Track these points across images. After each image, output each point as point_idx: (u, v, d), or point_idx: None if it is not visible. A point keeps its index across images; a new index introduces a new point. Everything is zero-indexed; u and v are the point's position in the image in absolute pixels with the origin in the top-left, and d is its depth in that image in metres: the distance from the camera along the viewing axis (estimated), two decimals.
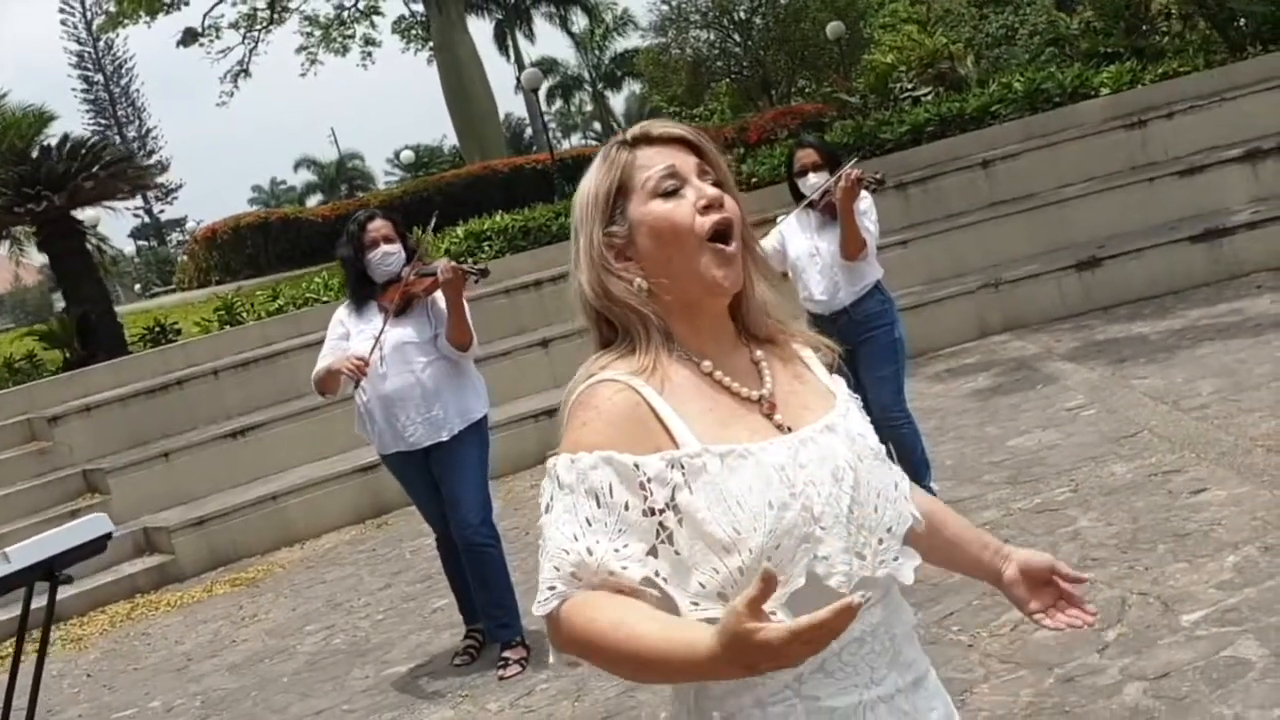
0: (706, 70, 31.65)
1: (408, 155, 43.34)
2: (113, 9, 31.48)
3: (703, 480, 1.48)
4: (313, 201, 56.42)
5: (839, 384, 1.74)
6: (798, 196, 5.66)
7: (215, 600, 7.90)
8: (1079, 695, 3.70)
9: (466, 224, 12.99)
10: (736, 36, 31.10)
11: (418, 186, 23.53)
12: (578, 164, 20.69)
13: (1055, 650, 4.04)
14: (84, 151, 11.83)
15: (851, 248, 5.42)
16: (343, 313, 5.36)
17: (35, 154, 11.83)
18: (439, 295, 5.16)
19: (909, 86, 16.07)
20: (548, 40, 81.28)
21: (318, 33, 34.27)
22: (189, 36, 32.90)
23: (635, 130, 1.66)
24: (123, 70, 60.91)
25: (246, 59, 33.74)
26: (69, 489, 9.54)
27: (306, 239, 20.37)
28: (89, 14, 53.62)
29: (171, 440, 9.67)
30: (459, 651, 5.39)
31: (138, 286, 49.74)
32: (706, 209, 1.59)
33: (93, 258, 12.65)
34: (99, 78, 60.37)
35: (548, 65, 50.42)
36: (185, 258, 23.99)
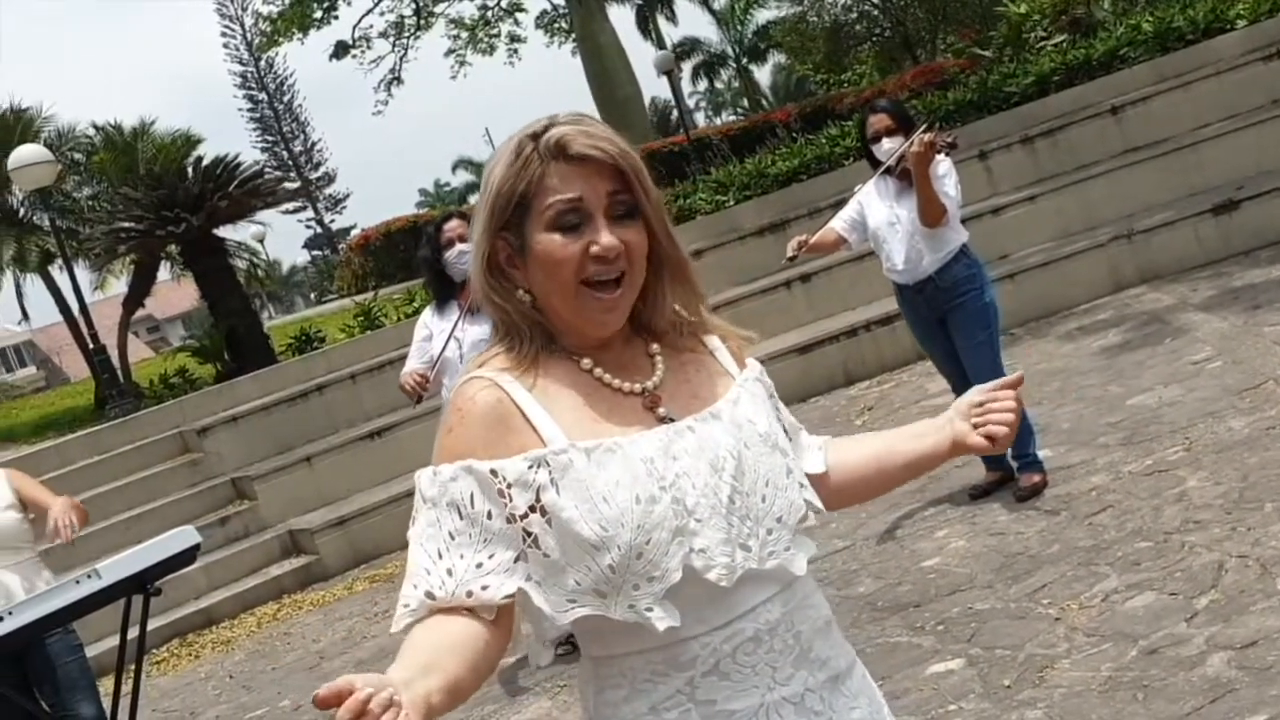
0: (846, 35, 31.15)
1: None
2: (268, 29, 32.63)
3: (570, 478, 1.45)
4: (473, 200, 57.73)
5: (749, 369, 1.69)
6: (874, 164, 5.52)
7: (354, 598, 8.16)
8: (1159, 668, 3.53)
9: None
10: None
11: None
12: (712, 144, 20.58)
13: (1143, 621, 3.86)
14: (220, 172, 12.33)
15: (930, 213, 5.25)
16: (427, 314, 5.48)
17: (173, 177, 12.38)
18: None
19: (1043, 35, 15.48)
20: (690, 19, 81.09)
21: (464, 34, 34.87)
22: (341, 49, 33.80)
23: (554, 135, 1.52)
24: (284, 87, 63.40)
25: (398, 66, 34.47)
26: (219, 497, 9.97)
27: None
28: (249, 35, 55.93)
29: (313, 445, 10.01)
30: (560, 641, 5.44)
31: (313, 295, 51.63)
32: (598, 259, 1.51)
33: (236, 274, 13.20)
34: (262, 96, 62.95)
35: (690, 45, 50.38)
36: (342, 265, 24.76)
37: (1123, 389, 6.62)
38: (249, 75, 62.22)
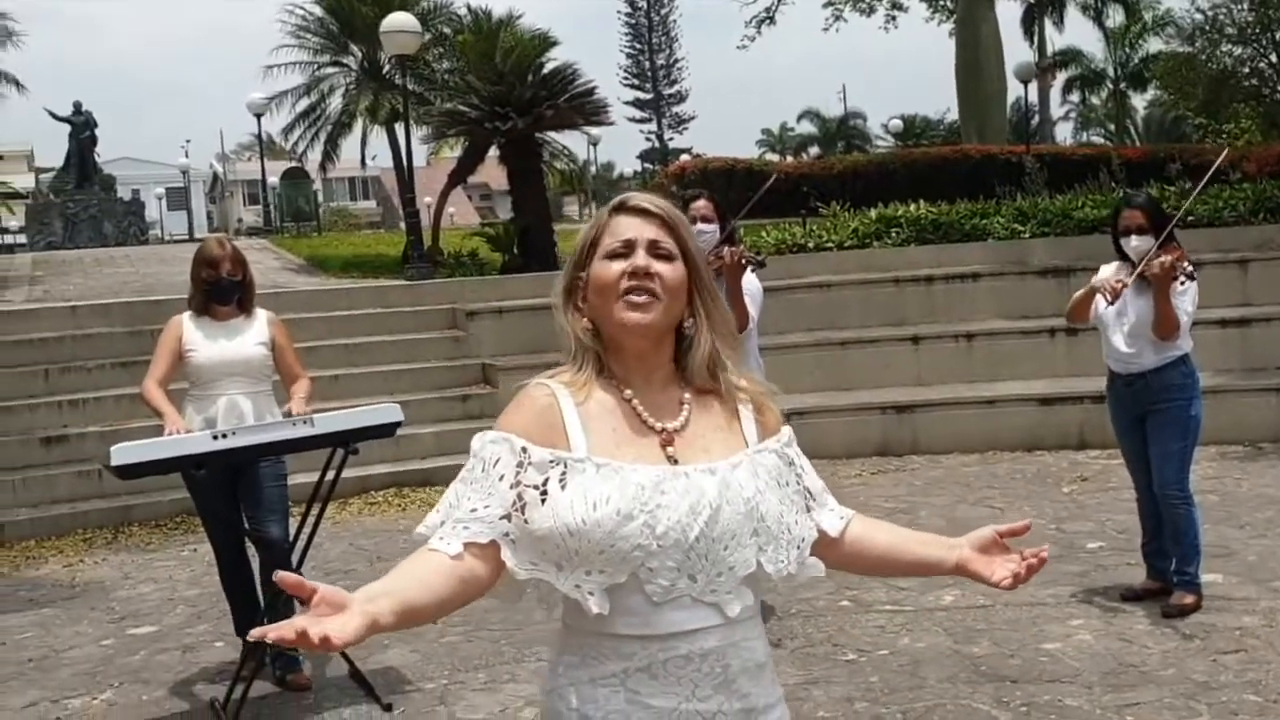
0: (1233, 86, 29.30)
1: (896, 124, 43.35)
2: None
3: (577, 479, 1.84)
4: (813, 151, 57.84)
5: (772, 441, 2.00)
6: (1120, 254, 5.56)
7: None
8: None
9: (883, 208, 13.11)
10: (1273, 57, 28.54)
11: (883, 159, 23.62)
12: (1055, 162, 19.96)
13: None
14: (556, 82, 13.09)
15: (1164, 329, 5.31)
16: None
17: (514, 77, 13.19)
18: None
19: None
20: (1077, 30, 77.68)
21: None
22: None
23: (617, 200, 2.02)
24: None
25: (774, 6, 34.68)
26: (468, 376, 10.85)
27: (766, 191, 20.97)
28: None
29: (560, 355, 10.67)
30: None
31: None
32: (631, 275, 1.91)
33: (545, 178, 14.00)
34: (642, 3, 64.71)
35: (1071, 56, 48.41)
36: (654, 190, 25.56)
37: None
38: None
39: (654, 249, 1.93)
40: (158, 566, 7.59)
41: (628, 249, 1.92)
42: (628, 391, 1.93)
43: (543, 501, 1.82)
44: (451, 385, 10.73)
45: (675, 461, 1.89)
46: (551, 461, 1.84)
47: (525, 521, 1.83)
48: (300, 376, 5.27)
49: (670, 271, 1.93)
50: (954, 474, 8.87)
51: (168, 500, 8.65)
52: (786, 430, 2.05)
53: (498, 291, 11.99)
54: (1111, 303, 5.41)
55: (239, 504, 5.14)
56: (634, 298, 1.89)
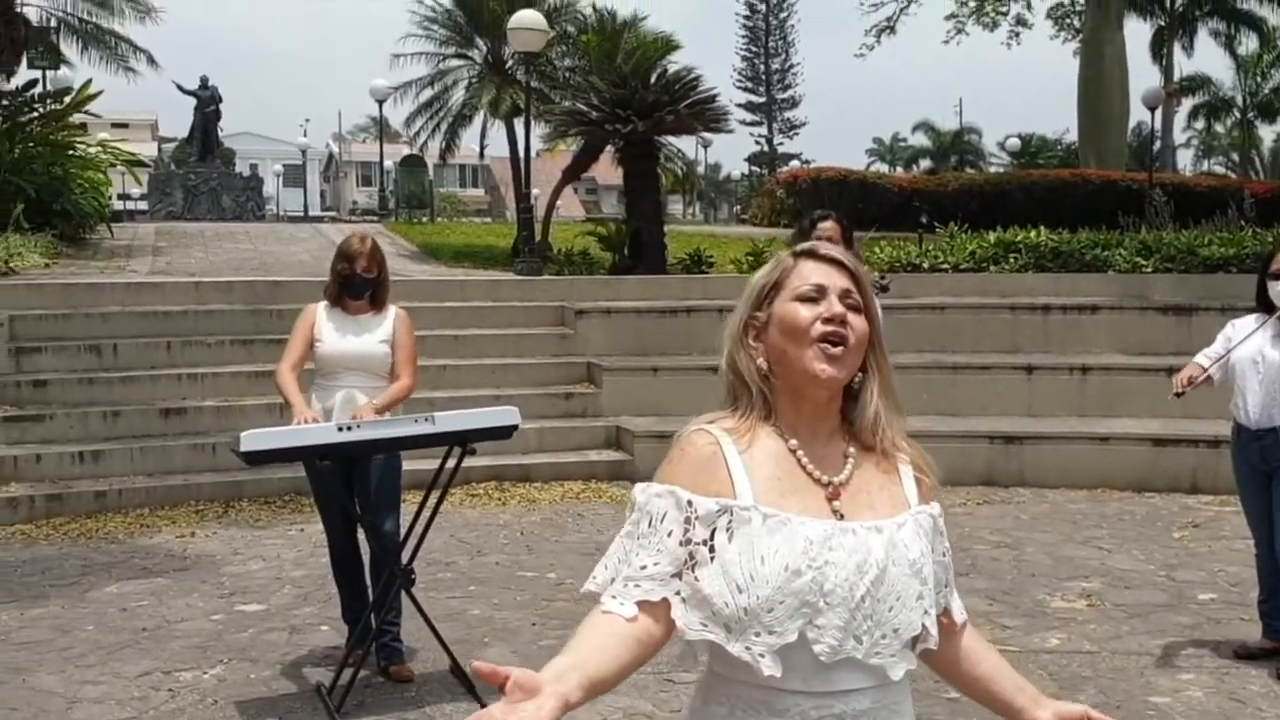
0: None
1: (1013, 143, 42.62)
2: None
3: (744, 531, 1.81)
4: (924, 165, 57.19)
5: (929, 507, 1.97)
6: (1263, 297, 5.42)
7: None
8: None
9: (1001, 231, 12.92)
10: None
11: (999, 180, 23.23)
12: (1177, 192, 19.50)
13: None
14: (677, 86, 13.11)
15: None
16: None
17: (637, 80, 13.25)
18: None
19: None
20: (1207, 56, 75.65)
21: (973, 3, 34.23)
22: None
23: (805, 246, 2.02)
24: (784, 4, 64.60)
25: (895, 16, 34.31)
26: (573, 374, 10.92)
27: (877, 205, 20.81)
28: None
29: (665, 359, 10.68)
30: None
31: (738, 206, 53.11)
32: (828, 320, 1.89)
33: (659, 181, 14.01)
34: (762, 7, 64.45)
35: (1199, 82, 47.20)
36: (763, 196, 25.44)
37: None
38: None
39: (845, 298, 1.91)
40: (266, 544, 7.77)
41: (819, 294, 1.91)
42: (793, 441, 1.90)
43: (711, 559, 1.80)
44: (556, 382, 10.81)
45: (841, 516, 1.86)
46: (718, 511, 1.81)
47: (695, 579, 1.81)
48: (400, 376, 5.29)
49: (860, 324, 1.90)
50: (1061, 510, 8.71)
51: (278, 479, 8.85)
52: (937, 504, 2.01)
53: (607, 291, 12.05)
54: (1180, 394, 5.44)
55: (353, 495, 5.24)
56: (829, 347, 1.87)
